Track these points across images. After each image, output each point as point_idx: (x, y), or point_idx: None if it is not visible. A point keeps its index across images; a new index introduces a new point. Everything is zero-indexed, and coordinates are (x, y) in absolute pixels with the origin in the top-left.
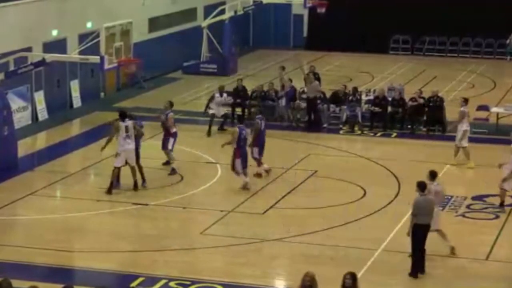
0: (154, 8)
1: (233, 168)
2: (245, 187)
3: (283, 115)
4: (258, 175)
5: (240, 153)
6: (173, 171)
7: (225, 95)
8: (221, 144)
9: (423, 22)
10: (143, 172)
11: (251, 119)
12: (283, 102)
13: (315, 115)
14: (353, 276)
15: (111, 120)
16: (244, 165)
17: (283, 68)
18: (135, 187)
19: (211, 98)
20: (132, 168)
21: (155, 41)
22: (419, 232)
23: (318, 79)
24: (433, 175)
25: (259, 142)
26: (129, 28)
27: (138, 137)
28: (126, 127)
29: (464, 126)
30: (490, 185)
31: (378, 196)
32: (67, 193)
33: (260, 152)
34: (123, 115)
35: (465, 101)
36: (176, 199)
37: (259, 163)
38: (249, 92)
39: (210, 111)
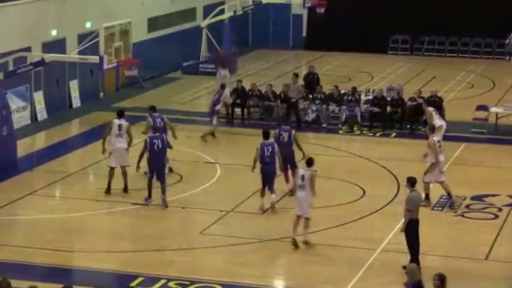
0: (153, 8)
1: None
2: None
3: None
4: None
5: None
6: None
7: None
8: None
9: (422, 22)
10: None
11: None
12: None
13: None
14: (440, 278)
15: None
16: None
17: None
18: (125, 189)
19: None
20: (123, 169)
21: (155, 41)
22: (415, 228)
23: (317, 79)
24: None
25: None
26: (128, 28)
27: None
28: (120, 126)
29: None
30: (490, 185)
31: (377, 196)
32: (67, 193)
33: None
34: (121, 114)
35: (422, 98)
36: (175, 199)
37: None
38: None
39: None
